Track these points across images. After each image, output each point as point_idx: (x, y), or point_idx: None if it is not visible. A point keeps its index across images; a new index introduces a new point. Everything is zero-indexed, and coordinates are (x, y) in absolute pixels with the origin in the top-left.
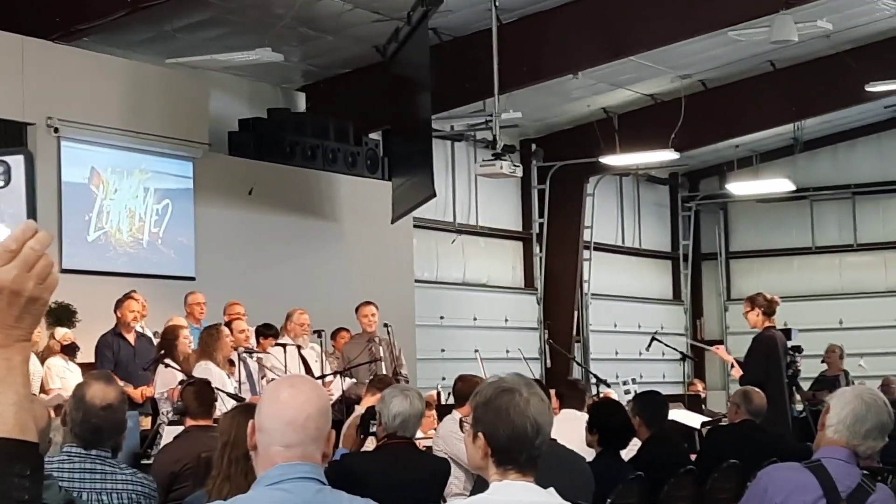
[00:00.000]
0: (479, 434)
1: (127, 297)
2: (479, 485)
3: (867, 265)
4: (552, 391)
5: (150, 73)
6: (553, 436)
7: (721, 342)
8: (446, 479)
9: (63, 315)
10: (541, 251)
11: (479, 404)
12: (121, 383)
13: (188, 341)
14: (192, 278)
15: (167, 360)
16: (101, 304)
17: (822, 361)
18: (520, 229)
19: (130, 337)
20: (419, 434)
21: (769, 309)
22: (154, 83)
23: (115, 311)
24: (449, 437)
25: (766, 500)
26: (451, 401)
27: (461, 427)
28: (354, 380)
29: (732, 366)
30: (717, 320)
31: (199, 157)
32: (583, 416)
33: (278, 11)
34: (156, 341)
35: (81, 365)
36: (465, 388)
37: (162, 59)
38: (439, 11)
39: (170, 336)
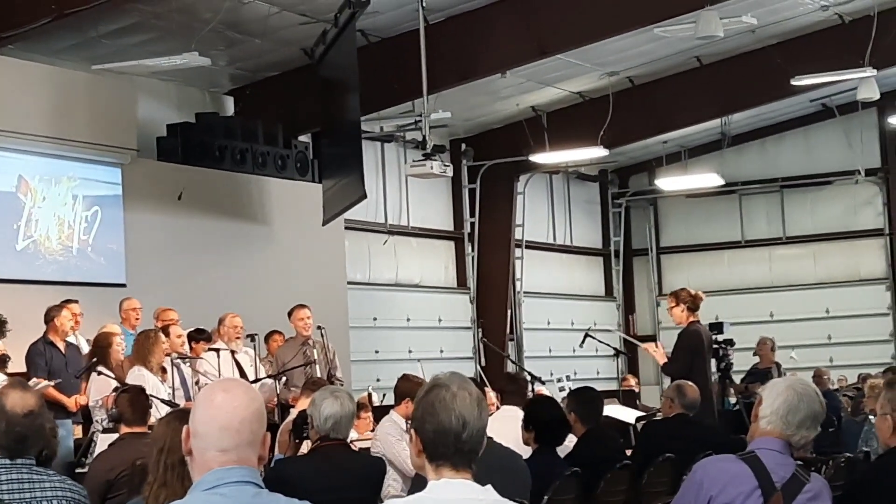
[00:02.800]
0: (412, 430)
1: (62, 306)
2: (417, 483)
3: (796, 258)
4: (488, 389)
5: (77, 80)
6: (492, 433)
7: (654, 338)
8: (382, 479)
9: None
10: (473, 250)
11: (416, 403)
12: (55, 391)
13: (121, 348)
14: (123, 285)
15: (100, 368)
16: (32, 313)
17: (754, 354)
18: (451, 229)
19: (61, 345)
20: (355, 435)
21: (693, 304)
22: (80, 90)
23: (46, 320)
24: (385, 439)
25: (702, 493)
26: (386, 402)
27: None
28: (285, 380)
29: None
30: (650, 315)
31: (127, 163)
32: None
33: (204, 15)
34: (87, 349)
35: (12, 375)
36: (404, 386)
37: (88, 66)
38: (366, 13)
39: (102, 343)
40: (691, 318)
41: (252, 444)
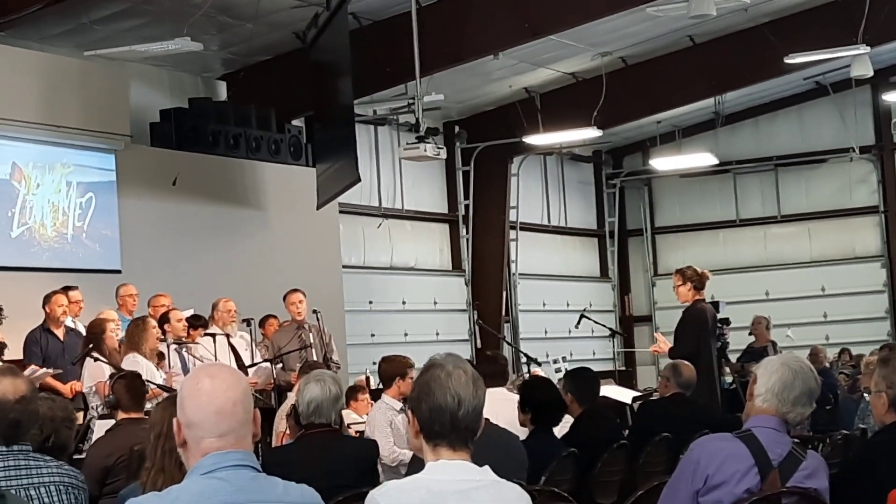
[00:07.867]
0: (409, 411)
1: (56, 292)
2: (414, 465)
3: (791, 236)
4: None
5: (69, 66)
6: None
7: (649, 318)
8: (374, 460)
9: None
10: (467, 233)
11: (413, 384)
12: (52, 377)
13: (115, 334)
14: (118, 271)
15: (95, 354)
16: (28, 301)
17: (750, 333)
18: (445, 211)
19: (59, 332)
20: (355, 417)
21: (699, 282)
22: (73, 76)
23: (43, 307)
24: (372, 423)
25: (699, 472)
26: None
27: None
28: (281, 364)
29: (656, 341)
30: (645, 296)
31: (120, 149)
32: (510, 396)
33: (196, 0)
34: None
35: (9, 362)
36: (389, 368)
37: (80, 52)
38: None
39: (97, 329)
40: (697, 297)
41: (246, 424)
